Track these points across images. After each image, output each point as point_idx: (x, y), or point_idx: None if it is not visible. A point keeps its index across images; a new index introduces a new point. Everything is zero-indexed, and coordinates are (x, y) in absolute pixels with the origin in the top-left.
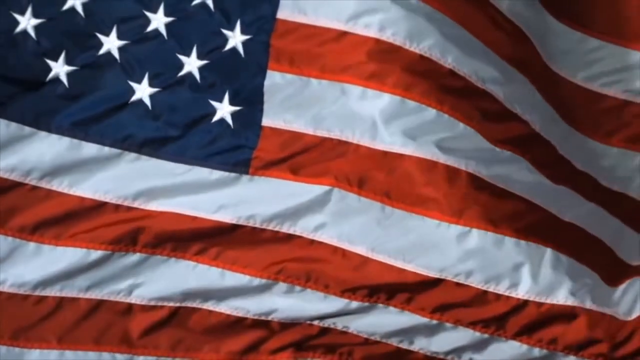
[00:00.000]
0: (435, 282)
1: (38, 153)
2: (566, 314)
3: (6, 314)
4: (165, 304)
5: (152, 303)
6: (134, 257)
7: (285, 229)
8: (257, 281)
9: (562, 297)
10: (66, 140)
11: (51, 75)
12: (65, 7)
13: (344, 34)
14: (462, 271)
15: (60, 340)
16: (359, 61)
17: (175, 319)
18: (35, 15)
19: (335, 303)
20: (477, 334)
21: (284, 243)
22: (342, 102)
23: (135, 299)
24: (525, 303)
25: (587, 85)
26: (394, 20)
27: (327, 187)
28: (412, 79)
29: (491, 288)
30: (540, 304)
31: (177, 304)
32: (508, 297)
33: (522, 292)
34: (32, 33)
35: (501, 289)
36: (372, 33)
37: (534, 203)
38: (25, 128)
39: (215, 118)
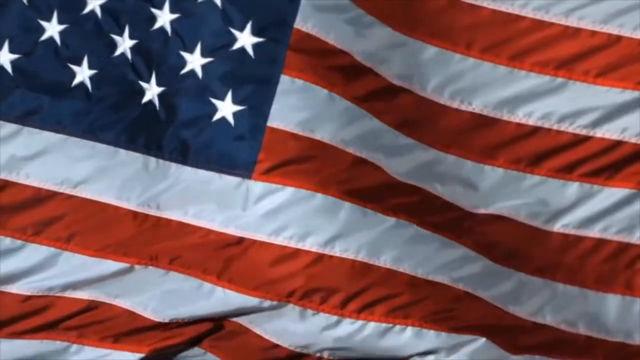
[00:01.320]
0: None
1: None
2: None
3: None
4: None
5: None
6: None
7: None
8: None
9: None
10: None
11: (76, 81)
12: (86, 10)
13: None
14: None
15: None
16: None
17: None
18: (60, 21)
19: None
20: None
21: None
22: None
23: None
24: None
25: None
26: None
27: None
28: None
29: None
30: None
31: None
32: None
33: None
34: (57, 39)
35: None
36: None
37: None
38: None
39: (216, 117)
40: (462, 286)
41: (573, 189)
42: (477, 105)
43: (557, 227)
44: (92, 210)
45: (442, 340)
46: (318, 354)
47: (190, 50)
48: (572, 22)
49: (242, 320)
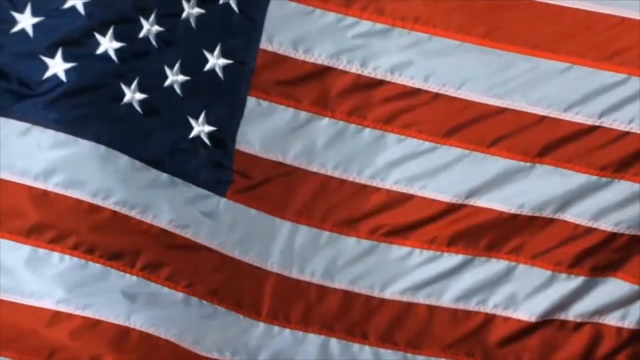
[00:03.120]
0: None
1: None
2: None
3: None
4: None
5: None
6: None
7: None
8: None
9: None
10: (51, 134)
11: (49, 73)
12: (66, 5)
13: (326, 68)
14: None
15: None
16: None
17: None
18: (34, 13)
19: None
20: None
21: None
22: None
23: None
24: None
25: None
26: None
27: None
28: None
29: None
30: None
31: None
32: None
33: None
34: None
35: None
36: (354, 69)
37: None
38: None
39: (192, 134)
40: None
41: None
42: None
43: None
44: None
45: None
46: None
47: (171, 66)
48: None
49: None
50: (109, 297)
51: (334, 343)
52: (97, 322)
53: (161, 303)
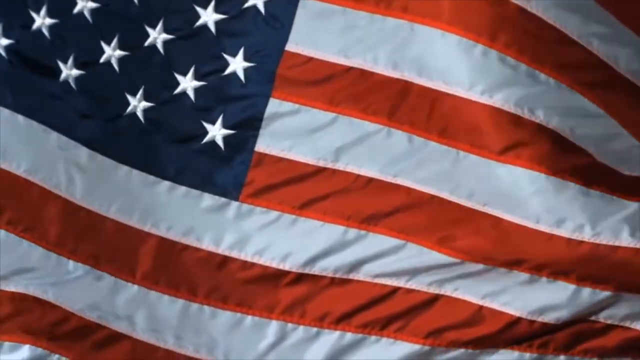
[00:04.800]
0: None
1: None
2: None
3: None
4: None
5: None
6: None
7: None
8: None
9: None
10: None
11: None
12: (75, 10)
13: (348, 69)
14: None
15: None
16: (374, 97)
17: None
18: (50, 14)
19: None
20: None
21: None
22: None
23: None
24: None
25: None
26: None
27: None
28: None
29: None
30: None
31: None
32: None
33: None
34: (46, 32)
35: None
36: (380, 70)
37: None
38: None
39: (206, 140)
40: None
41: None
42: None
43: None
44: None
45: None
46: None
47: (184, 73)
48: None
49: None
50: None
51: None
52: None
53: None
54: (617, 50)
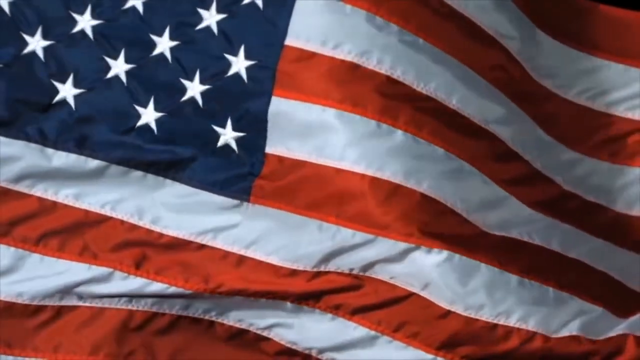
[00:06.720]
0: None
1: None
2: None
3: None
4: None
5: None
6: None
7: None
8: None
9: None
10: (73, 157)
11: (58, 97)
12: (75, 29)
13: (355, 66)
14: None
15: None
16: (369, 95)
17: None
18: (44, 36)
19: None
20: None
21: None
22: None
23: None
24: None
25: (580, 101)
26: (403, 59)
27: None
28: (422, 118)
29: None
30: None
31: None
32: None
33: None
34: (40, 54)
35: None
36: (384, 70)
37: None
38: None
39: (220, 143)
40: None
41: None
42: None
43: None
44: None
45: None
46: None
47: (190, 78)
48: None
49: None
50: None
51: None
52: None
53: None
54: None
